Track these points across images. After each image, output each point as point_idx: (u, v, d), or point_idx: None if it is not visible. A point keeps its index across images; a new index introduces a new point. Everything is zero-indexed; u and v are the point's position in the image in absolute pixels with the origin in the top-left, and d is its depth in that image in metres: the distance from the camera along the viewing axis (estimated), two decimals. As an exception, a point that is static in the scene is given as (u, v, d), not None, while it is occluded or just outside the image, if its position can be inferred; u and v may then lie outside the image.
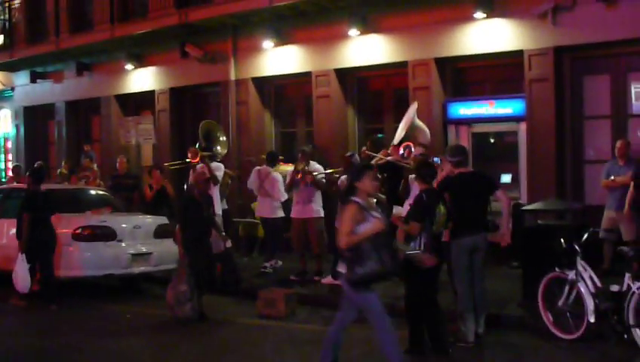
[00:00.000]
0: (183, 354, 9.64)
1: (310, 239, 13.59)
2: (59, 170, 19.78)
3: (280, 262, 14.59)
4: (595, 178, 13.75)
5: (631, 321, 8.67)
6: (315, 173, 13.51)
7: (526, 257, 10.82)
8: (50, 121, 25.11)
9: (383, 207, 13.52)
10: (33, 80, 24.36)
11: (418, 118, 12.77)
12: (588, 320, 9.09)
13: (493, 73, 15.63)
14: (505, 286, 11.55)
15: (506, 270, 12.97)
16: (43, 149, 25.64)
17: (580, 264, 9.35)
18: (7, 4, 25.48)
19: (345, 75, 17.11)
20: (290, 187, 13.94)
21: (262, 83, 18.68)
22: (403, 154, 11.43)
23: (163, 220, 14.22)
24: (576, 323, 9.26)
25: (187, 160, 14.85)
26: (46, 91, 24.25)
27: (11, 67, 25.34)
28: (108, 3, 21.41)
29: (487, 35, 14.72)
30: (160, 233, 13.80)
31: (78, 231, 12.97)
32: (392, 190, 12.51)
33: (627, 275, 8.97)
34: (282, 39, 17.72)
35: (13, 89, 26.14)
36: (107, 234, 13.15)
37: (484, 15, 14.60)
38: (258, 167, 14.63)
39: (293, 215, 13.84)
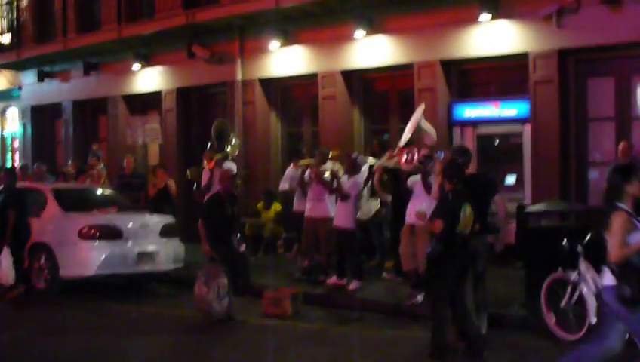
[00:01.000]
0: (186, 351, 9.71)
1: (319, 238, 13.54)
2: (63, 169, 19.87)
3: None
4: (599, 180, 13.83)
5: (632, 322, 8.72)
6: (325, 173, 13.40)
7: (529, 258, 10.86)
8: (58, 120, 25.18)
9: (388, 208, 13.70)
10: (40, 79, 24.42)
11: (424, 119, 12.83)
12: (590, 321, 9.16)
13: (498, 75, 15.71)
14: (508, 287, 11.60)
15: (510, 271, 13.00)
16: (50, 148, 25.72)
17: (583, 265, 9.42)
18: (14, 4, 25.57)
19: (351, 76, 17.18)
20: (302, 185, 13.96)
21: (268, 83, 18.75)
22: (406, 158, 11.45)
23: (169, 219, 14.31)
24: (579, 323, 9.32)
25: (203, 166, 14.89)
26: (53, 90, 24.33)
27: (19, 66, 25.41)
28: (115, 3, 21.47)
29: (492, 37, 14.79)
30: (166, 232, 13.90)
31: (85, 230, 13.07)
32: (396, 191, 12.61)
33: (629, 276, 9.02)
34: (288, 40, 17.80)
35: (20, 88, 26.21)
36: (113, 234, 13.26)
37: (490, 17, 14.67)
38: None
39: (305, 213, 13.74)
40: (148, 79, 21.30)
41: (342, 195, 12.76)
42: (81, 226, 13.07)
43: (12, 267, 12.80)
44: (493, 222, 9.85)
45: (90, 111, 24.17)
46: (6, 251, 12.86)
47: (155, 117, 20.15)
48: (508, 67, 15.34)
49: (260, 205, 17.05)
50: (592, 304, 9.17)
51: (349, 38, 16.66)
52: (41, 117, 25.95)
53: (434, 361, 8.74)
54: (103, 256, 13.01)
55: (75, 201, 14.32)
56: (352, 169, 12.98)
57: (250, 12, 17.84)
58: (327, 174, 13.23)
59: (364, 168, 13.21)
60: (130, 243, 13.33)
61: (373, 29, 16.33)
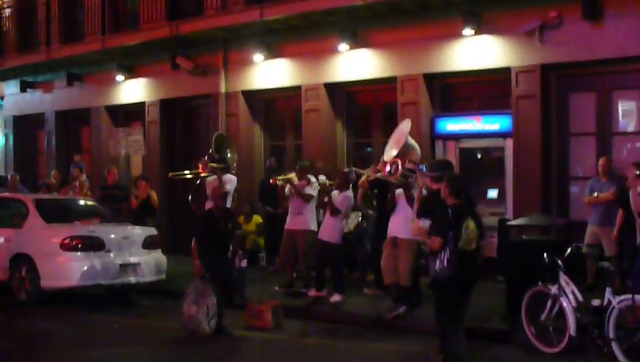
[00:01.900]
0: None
1: (297, 251, 13.61)
2: (43, 181, 19.78)
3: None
4: (580, 194, 13.95)
5: (611, 335, 8.79)
6: (307, 185, 13.48)
7: (510, 271, 10.94)
8: (40, 130, 25.06)
9: (372, 222, 13.75)
10: (23, 89, 24.31)
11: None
12: (570, 334, 9.23)
13: (481, 89, 15.81)
14: (489, 300, 11.60)
15: (491, 284, 13.04)
16: (32, 159, 25.60)
17: (563, 279, 9.50)
18: (-3, 13, 25.52)
19: (334, 89, 17.23)
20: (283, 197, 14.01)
21: (252, 96, 18.78)
22: (390, 170, 11.44)
23: (152, 231, 14.29)
24: (559, 336, 9.39)
25: (196, 171, 14.50)
26: (36, 101, 24.25)
27: (1, 76, 25.24)
28: (99, 14, 21.44)
29: (475, 52, 14.89)
30: (148, 244, 13.87)
31: (67, 241, 13.01)
32: (381, 205, 12.65)
33: (608, 290, 9.09)
34: (272, 53, 17.84)
35: (2, 98, 26.06)
36: (96, 245, 13.20)
37: (473, 32, 14.77)
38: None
39: (285, 225, 13.81)
40: (131, 90, 21.27)
41: (332, 210, 12.78)
42: (63, 237, 13.01)
43: None
44: None
45: (73, 122, 24.08)
46: None
47: (139, 128, 20.14)
48: (490, 82, 15.45)
49: (241, 218, 17.05)
50: (571, 317, 9.24)
51: (332, 51, 16.73)
52: (23, 127, 25.81)
53: None
54: (85, 267, 12.96)
55: (57, 212, 14.27)
56: (343, 184, 13.01)
57: (234, 24, 17.88)
58: (281, 182, 13.55)
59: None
60: (112, 255, 13.29)
61: (356, 42, 16.40)
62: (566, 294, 9.41)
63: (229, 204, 13.21)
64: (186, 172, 14.95)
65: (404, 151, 11.99)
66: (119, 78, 21.20)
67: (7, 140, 26.28)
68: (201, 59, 19.22)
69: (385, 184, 12.13)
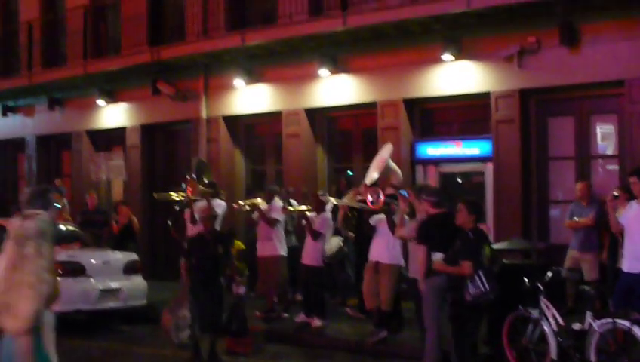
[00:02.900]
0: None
1: (269, 276, 13.63)
2: (17, 206, 19.62)
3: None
4: (560, 217, 14.01)
5: (592, 359, 8.84)
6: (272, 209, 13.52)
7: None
8: (21, 154, 24.98)
9: (350, 245, 13.76)
10: (4, 113, 24.29)
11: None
12: (551, 358, 9.25)
13: (461, 114, 15.91)
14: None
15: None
16: (12, 183, 25.50)
17: (543, 302, 9.53)
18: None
19: (315, 115, 17.29)
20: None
21: (233, 121, 18.81)
22: (372, 201, 11.36)
23: (132, 256, 14.24)
24: (540, 360, 9.42)
25: (183, 194, 13.84)
26: (17, 125, 24.18)
27: (-18, 100, 25.25)
28: (81, 39, 21.46)
29: (454, 77, 14.99)
30: (129, 269, 13.83)
31: (47, 266, 12.92)
32: (359, 228, 12.67)
33: (588, 314, 9.13)
34: (253, 78, 17.89)
35: (-17, 122, 26.01)
36: (76, 270, 13.15)
37: (452, 57, 14.87)
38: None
39: (257, 252, 13.88)
40: (112, 115, 21.26)
41: (313, 234, 12.75)
42: (43, 262, 12.92)
43: None
44: None
45: (53, 146, 24.02)
46: None
47: (119, 153, 20.08)
48: (470, 106, 15.54)
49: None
50: (552, 341, 9.26)
51: (313, 76, 16.80)
52: (3, 151, 25.73)
53: None
54: (65, 293, 12.83)
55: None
56: (319, 207, 13.02)
57: (215, 50, 17.95)
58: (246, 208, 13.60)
59: (328, 207, 13.22)
60: (92, 280, 13.25)
61: (337, 68, 16.47)
62: (547, 318, 9.44)
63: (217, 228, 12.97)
64: (172, 194, 14.64)
65: (385, 175, 12.04)
66: (100, 102, 21.19)
67: (-13, 164, 26.15)
68: (182, 85, 19.24)
69: (362, 211, 12.15)
